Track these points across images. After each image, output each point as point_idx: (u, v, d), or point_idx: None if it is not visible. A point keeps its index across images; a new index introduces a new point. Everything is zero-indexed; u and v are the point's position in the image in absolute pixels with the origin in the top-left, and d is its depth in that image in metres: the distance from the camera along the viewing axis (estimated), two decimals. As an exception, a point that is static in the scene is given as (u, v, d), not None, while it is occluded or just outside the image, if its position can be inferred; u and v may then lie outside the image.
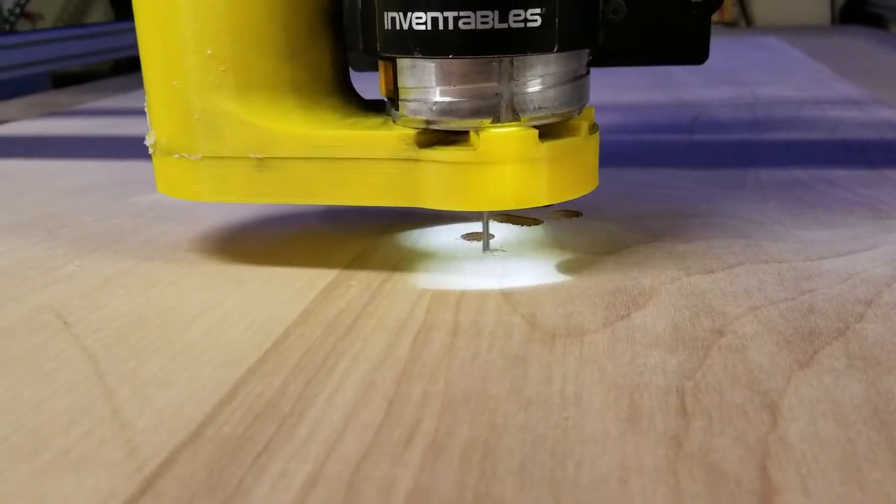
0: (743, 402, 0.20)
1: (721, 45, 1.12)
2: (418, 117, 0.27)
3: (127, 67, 1.38)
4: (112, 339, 0.25)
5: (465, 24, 0.25)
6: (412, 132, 0.27)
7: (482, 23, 0.25)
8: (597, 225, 0.34)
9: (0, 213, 0.40)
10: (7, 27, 1.47)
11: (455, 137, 0.27)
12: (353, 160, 0.28)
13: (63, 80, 1.11)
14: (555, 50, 0.26)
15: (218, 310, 0.27)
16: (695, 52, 0.28)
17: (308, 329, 0.25)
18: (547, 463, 0.18)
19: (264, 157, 0.28)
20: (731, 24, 1.68)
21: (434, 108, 0.27)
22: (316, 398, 0.21)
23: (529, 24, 0.25)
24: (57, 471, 0.18)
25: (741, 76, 0.79)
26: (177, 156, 0.29)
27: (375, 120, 0.29)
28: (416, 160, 0.27)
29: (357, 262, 0.31)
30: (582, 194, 0.28)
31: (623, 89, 0.72)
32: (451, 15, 0.25)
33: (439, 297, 0.27)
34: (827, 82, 0.74)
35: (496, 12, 0.25)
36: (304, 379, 0.22)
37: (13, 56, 0.93)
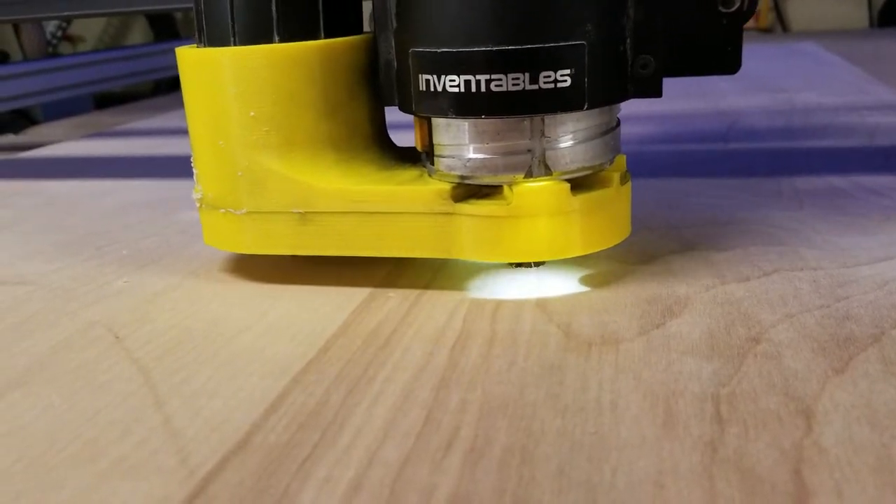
0: (778, 408, 0.20)
1: (757, 52, 1.11)
2: (453, 172, 0.28)
3: (167, 87, 1.42)
4: (161, 352, 0.26)
5: (496, 86, 0.25)
6: (448, 187, 0.28)
7: (513, 85, 0.25)
8: (632, 234, 0.34)
9: (51, 231, 0.41)
10: (50, 50, 1.51)
11: (489, 190, 0.28)
12: (390, 214, 0.28)
13: (105, 101, 1.14)
14: (585, 108, 0.26)
15: (262, 323, 0.28)
16: (728, 62, 0.28)
17: (349, 340, 0.26)
18: (584, 468, 0.19)
19: (306, 212, 0.29)
20: (767, 31, 1.67)
21: (468, 164, 0.27)
22: (357, 406, 0.22)
23: (559, 85, 0.25)
24: (113, 478, 0.19)
25: (777, 83, 0.79)
26: (223, 210, 0.30)
27: (411, 172, 0.30)
28: (451, 213, 0.28)
29: (392, 276, 0.31)
30: (614, 244, 0.29)
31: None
32: (483, 78, 0.25)
33: (476, 307, 0.28)
34: (865, 87, 0.73)
35: (527, 74, 0.25)
36: (345, 388, 0.23)
37: (57, 79, 0.95)
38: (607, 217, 0.28)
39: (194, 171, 0.31)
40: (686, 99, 0.72)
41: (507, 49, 0.25)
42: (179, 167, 0.57)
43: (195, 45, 0.30)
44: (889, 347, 0.23)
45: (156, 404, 0.23)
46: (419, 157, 0.31)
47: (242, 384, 0.23)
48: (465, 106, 0.26)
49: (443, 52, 0.26)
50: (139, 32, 1.89)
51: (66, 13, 0.49)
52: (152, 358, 0.26)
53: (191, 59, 0.30)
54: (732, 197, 0.40)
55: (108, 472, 0.19)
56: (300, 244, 0.30)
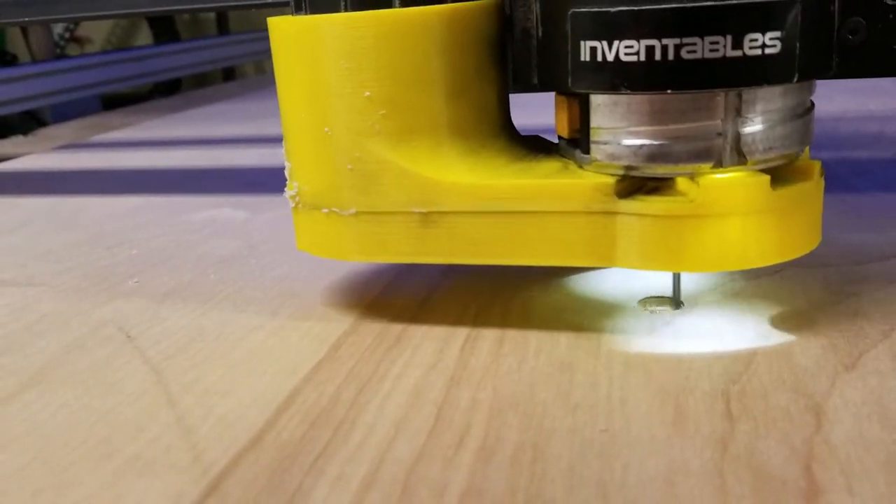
0: (788, 405, 0.20)
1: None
2: (617, 163, 0.23)
3: (164, 89, 1.43)
4: (173, 351, 0.26)
5: (689, 52, 0.21)
6: (610, 180, 0.23)
7: (711, 50, 0.21)
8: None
9: (61, 232, 0.42)
10: (58, 52, 1.51)
11: (655, 184, 0.24)
12: (535, 214, 0.24)
13: (113, 102, 1.14)
14: (795, 80, 0.22)
15: (273, 321, 0.28)
16: (893, 63, 0.23)
17: (359, 338, 0.26)
18: (595, 465, 0.19)
19: (429, 212, 0.25)
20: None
21: (640, 151, 0.23)
22: (369, 404, 0.22)
23: (767, 51, 0.21)
24: (128, 475, 0.19)
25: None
26: (325, 211, 0.26)
27: (552, 164, 0.25)
28: (613, 213, 0.23)
29: (402, 276, 0.31)
30: (808, 251, 0.24)
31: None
32: (671, 42, 0.21)
33: (486, 305, 0.28)
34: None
35: (729, 38, 0.21)
36: (357, 386, 0.23)
37: (65, 80, 0.96)
38: (805, 217, 0.24)
39: (287, 164, 0.27)
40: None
41: (705, 5, 0.21)
42: (186, 174, 0.57)
43: (290, 13, 0.26)
44: (899, 344, 0.23)
45: (168, 403, 0.23)
46: (552, 147, 0.27)
47: (254, 382, 0.24)
48: (644, 78, 0.22)
49: (618, 11, 0.21)
50: (146, 34, 1.89)
51: (73, 15, 0.50)
52: (164, 357, 0.26)
53: (289, 29, 0.25)
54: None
55: (123, 469, 0.20)
56: (420, 250, 0.25)
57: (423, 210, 0.25)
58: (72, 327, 0.29)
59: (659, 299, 0.27)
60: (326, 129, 0.25)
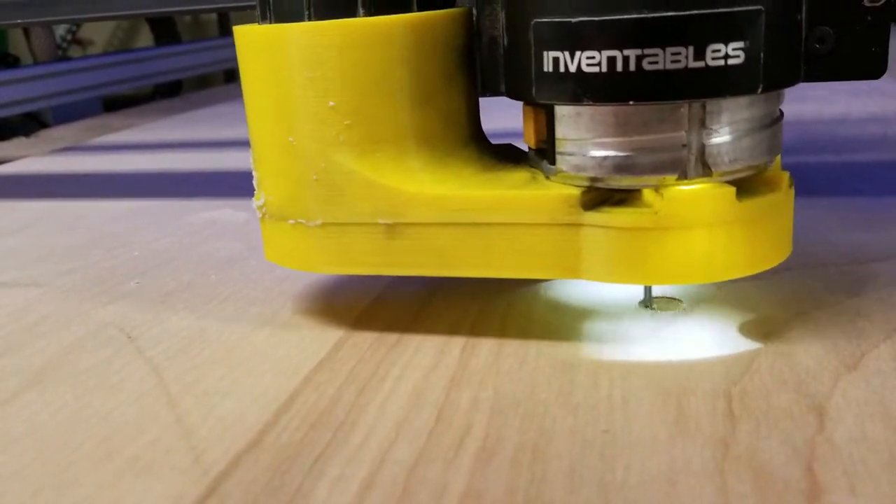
0: (790, 405, 0.20)
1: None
2: (582, 174, 0.23)
3: (166, 91, 1.43)
4: (174, 352, 0.26)
5: (651, 63, 0.21)
6: (576, 192, 0.23)
7: (673, 61, 0.21)
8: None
9: (63, 234, 0.42)
10: (60, 53, 1.52)
11: (623, 195, 0.23)
12: (501, 225, 0.24)
13: (115, 104, 1.14)
14: (760, 90, 0.22)
15: (274, 322, 0.28)
16: (871, 66, 0.23)
17: (360, 339, 0.26)
18: (596, 466, 0.19)
19: (394, 223, 0.24)
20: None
21: (604, 163, 0.23)
22: (369, 405, 0.22)
23: (731, 61, 0.21)
24: (128, 476, 0.19)
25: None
26: (291, 222, 0.26)
27: (520, 174, 0.25)
28: (578, 225, 0.23)
29: (402, 278, 0.31)
30: (778, 262, 0.24)
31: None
32: (633, 53, 0.21)
33: (486, 307, 0.28)
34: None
35: (691, 48, 0.21)
36: (357, 387, 0.23)
37: (67, 82, 0.96)
38: (773, 228, 0.24)
39: (254, 174, 0.27)
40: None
41: (667, 16, 0.20)
42: (188, 177, 0.57)
43: (256, 23, 0.26)
44: (901, 344, 0.23)
45: (169, 404, 0.23)
46: (519, 156, 0.27)
47: (255, 383, 0.24)
48: (606, 89, 0.21)
49: (579, 21, 0.21)
50: (147, 35, 1.89)
51: (75, 16, 0.50)
52: (165, 358, 0.26)
53: (254, 38, 0.25)
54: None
55: (123, 470, 0.20)
56: (386, 262, 0.25)
57: (389, 221, 0.24)
58: (73, 328, 0.29)
59: (660, 299, 0.27)
60: (291, 139, 0.25)
